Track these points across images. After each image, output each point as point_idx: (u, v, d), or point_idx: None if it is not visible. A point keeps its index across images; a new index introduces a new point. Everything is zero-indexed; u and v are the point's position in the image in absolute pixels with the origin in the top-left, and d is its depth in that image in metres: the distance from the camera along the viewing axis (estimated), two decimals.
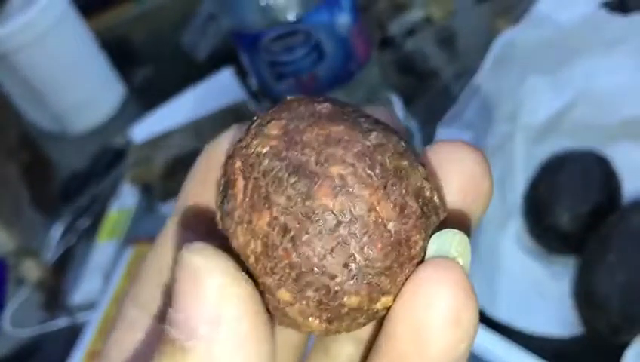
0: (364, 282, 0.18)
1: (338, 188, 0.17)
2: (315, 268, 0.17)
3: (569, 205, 0.51)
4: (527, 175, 0.55)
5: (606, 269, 0.47)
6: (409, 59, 0.71)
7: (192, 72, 0.82)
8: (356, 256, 0.17)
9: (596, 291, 0.47)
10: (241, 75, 0.76)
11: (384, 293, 0.18)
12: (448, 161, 0.20)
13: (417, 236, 0.18)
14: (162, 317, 0.22)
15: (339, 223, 0.17)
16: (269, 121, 0.19)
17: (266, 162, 0.18)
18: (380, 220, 0.17)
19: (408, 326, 0.17)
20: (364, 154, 0.18)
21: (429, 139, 0.59)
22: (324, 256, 0.17)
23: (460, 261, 0.18)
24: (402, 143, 0.19)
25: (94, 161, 0.82)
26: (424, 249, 0.18)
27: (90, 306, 0.66)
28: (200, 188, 0.22)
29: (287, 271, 0.18)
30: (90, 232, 0.73)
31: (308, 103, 0.19)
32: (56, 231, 0.76)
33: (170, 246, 0.22)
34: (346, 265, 0.17)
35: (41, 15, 0.79)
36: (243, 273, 0.18)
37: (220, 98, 0.75)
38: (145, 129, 0.78)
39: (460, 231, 0.18)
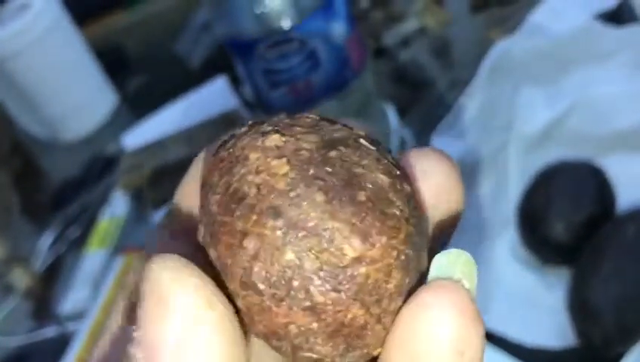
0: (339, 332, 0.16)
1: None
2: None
3: (563, 215, 0.51)
4: (521, 185, 0.55)
5: (600, 280, 0.47)
6: (404, 69, 0.71)
7: (186, 81, 0.81)
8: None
9: (590, 302, 0.47)
10: (235, 83, 0.76)
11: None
12: (417, 169, 0.19)
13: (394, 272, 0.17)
14: (127, 320, 0.20)
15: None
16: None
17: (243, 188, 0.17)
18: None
19: (407, 356, 0.16)
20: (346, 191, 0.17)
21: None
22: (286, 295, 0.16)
23: (466, 284, 0.17)
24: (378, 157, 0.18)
25: (86, 169, 0.82)
26: (403, 285, 0.17)
27: (79, 315, 0.66)
28: (192, 196, 0.22)
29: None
30: (81, 241, 0.73)
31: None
32: (46, 239, 0.75)
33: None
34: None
35: (34, 22, 0.79)
36: (218, 291, 0.16)
37: (213, 106, 0.74)
38: (137, 137, 0.78)
39: (465, 252, 0.17)
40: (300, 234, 0.16)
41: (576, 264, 0.50)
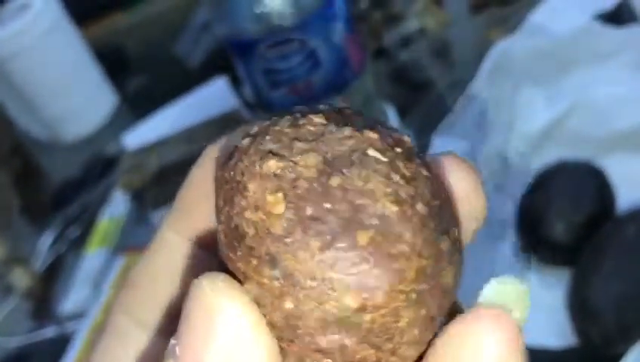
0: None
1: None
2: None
3: (563, 215, 0.51)
4: (521, 185, 0.55)
5: (600, 280, 0.47)
6: (404, 70, 0.71)
7: (186, 82, 0.81)
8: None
9: (590, 302, 0.47)
10: (235, 83, 0.76)
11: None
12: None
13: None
14: (162, 334, 0.21)
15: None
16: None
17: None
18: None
19: None
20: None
21: (424, 148, 0.59)
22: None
23: (517, 314, 0.16)
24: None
25: (86, 170, 0.82)
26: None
27: (79, 316, 0.66)
28: (197, 194, 0.21)
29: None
30: (81, 241, 0.73)
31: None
32: (46, 239, 0.75)
33: (165, 254, 0.22)
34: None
35: (34, 23, 0.79)
36: (264, 320, 0.16)
37: (212, 106, 0.74)
38: (138, 137, 0.78)
39: (521, 282, 0.17)
40: (297, 286, 0.15)
41: (577, 264, 0.50)
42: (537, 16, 0.62)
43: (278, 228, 0.16)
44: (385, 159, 0.16)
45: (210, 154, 0.21)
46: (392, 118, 0.63)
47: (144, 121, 0.80)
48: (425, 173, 0.17)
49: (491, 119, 0.57)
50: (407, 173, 0.16)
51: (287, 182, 0.16)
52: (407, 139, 0.17)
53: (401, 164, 0.16)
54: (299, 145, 0.16)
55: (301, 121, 0.17)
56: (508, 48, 0.58)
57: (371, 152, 0.16)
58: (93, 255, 0.70)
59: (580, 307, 0.48)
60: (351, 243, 0.15)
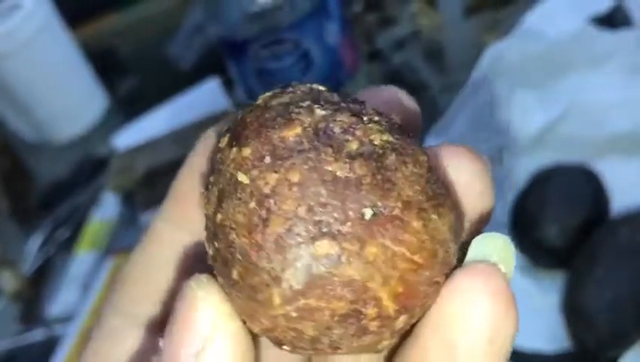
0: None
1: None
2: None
3: (557, 219, 0.51)
4: (515, 188, 0.55)
5: (594, 284, 0.47)
6: (397, 72, 0.71)
7: (177, 84, 0.81)
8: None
9: (584, 306, 0.47)
10: (226, 86, 0.75)
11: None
12: (445, 167, 0.19)
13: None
14: (155, 328, 0.21)
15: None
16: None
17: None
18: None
19: (439, 338, 0.16)
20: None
21: None
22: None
23: (502, 268, 0.17)
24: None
25: (75, 171, 0.81)
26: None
27: (67, 318, 0.65)
28: (190, 184, 0.21)
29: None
30: (70, 243, 0.72)
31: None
32: (35, 241, 0.74)
33: (157, 250, 0.21)
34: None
35: (24, 23, 0.78)
36: (239, 322, 0.17)
37: (204, 108, 0.74)
38: (128, 138, 0.77)
39: (503, 236, 0.17)
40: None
41: (571, 267, 0.49)
42: (532, 20, 0.62)
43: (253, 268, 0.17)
44: (366, 185, 0.17)
45: (202, 147, 0.21)
46: None
47: (135, 123, 0.80)
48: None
49: (485, 122, 0.57)
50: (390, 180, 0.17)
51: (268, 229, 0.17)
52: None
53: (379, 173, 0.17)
54: (288, 164, 0.17)
55: (288, 123, 0.18)
56: (502, 51, 0.58)
57: (350, 175, 0.17)
58: (82, 257, 0.70)
59: (573, 311, 0.48)
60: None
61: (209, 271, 0.18)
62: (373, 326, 0.17)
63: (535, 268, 0.53)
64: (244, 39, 0.53)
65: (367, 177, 0.16)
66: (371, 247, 0.16)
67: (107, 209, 0.73)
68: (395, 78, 0.70)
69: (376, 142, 0.17)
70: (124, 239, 0.70)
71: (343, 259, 0.16)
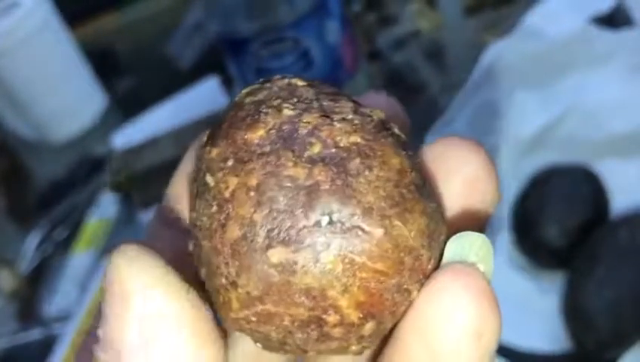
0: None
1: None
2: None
3: (557, 219, 0.51)
4: (515, 189, 0.55)
5: (594, 284, 0.46)
6: (397, 72, 0.71)
7: (176, 83, 0.81)
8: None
9: (584, 306, 0.47)
10: (227, 84, 0.75)
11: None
12: (448, 159, 0.19)
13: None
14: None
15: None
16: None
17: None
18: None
19: (421, 341, 0.16)
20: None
21: (416, 150, 0.59)
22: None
23: (481, 267, 0.16)
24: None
25: (73, 170, 0.81)
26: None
27: (65, 318, 0.65)
28: (184, 192, 0.21)
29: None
30: (67, 242, 0.72)
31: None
32: (33, 240, 0.74)
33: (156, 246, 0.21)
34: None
35: (23, 22, 0.78)
36: (182, 282, 0.16)
37: (202, 107, 0.74)
38: (127, 137, 0.77)
39: (480, 234, 0.17)
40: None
41: (570, 268, 0.49)
42: (532, 19, 0.62)
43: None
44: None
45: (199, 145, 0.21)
46: None
47: (133, 122, 0.80)
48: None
49: (485, 122, 0.57)
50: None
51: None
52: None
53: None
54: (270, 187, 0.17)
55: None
56: (502, 51, 0.58)
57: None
58: (80, 256, 0.70)
59: (573, 311, 0.48)
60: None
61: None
62: (336, 332, 0.16)
63: (535, 269, 0.53)
64: (244, 37, 0.52)
65: (325, 183, 0.16)
66: (328, 255, 0.16)
67: (105, 208, 0.73)
68: (395, 77, 0.70)
69: (341, 145, 0.16)
70: (122, 238, 0.69)
71: (298, 267, 0.16)
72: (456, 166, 0.18)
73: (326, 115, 0.17)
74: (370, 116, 0.17)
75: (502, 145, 0.56)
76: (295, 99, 0.17)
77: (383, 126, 0.17)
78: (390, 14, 0.77)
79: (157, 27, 0.93)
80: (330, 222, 0.16)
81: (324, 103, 0.17)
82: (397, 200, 0.16)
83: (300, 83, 0.18)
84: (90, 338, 0.18)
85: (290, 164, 0.16)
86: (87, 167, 0.80)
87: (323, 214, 0.16)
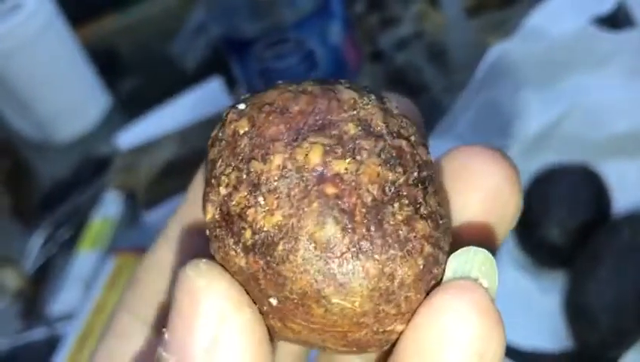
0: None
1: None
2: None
3: (559, 219, 0.51)
4: None
5: (596, 283, 0.47)
6: (400, 73, 0.71)
7: (180, 83, 0.81)
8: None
9: (586, 305, 0.47)
10: (230, 84, 0.75)
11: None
12: (469, 171, 0.18)
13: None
14: (157, 330, 0.21)
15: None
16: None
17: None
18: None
19: (421, 359, 0.15)
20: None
21: None
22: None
23: (485, 283, 0.16)
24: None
25: (78, 170, 0.81)
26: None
27: (69, 317, 0.65)
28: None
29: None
30: (72, 242, 0.72)
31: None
32: (37, 240, 0.74)
33: (170, 251, 0.21)
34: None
35: (26, 22, 0.78)
36: (246, 297, 0.16)
37: (206, 107, 0.74)
38: (131, 137, 0.77)
39: (483, 250, 0.16)
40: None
41: (572, 267, 0.49)
42: (534, 20, 0.62)
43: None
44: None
45: None
46: None
47: (137, 122, 0.80)
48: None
49: (487, 122, 0.57)
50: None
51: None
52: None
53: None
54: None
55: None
56: (505, 51, 0.58)
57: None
58: (84, 256, 0.70)
59: (575, 311, 0.48)
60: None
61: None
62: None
63: (537, 268, 0.53)
64: (247, 38, 0.53)
65: (259, 273, 0.16)
66: (292, 324, 0.16)
67: (109, 208, 0.73)
68: (398, 78, 0.70)
69: (265, 228, 0.16)
70: (126, 238, 0.70)
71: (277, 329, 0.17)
72: (477, 179, 0.18)
73: (250, 191, 0.17)
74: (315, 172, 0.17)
75: (505, 145, 0.56)
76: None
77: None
78: (393, 15, 0.77)
79: (161, 28, 0.94)
80: (279, 302, 0.16)
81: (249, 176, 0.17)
82: (329, 275, 0.16)
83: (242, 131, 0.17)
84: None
85: (233, 253, 0.17)
86: (91, 167, 0.81)
87: (270, 297, 0.17)
